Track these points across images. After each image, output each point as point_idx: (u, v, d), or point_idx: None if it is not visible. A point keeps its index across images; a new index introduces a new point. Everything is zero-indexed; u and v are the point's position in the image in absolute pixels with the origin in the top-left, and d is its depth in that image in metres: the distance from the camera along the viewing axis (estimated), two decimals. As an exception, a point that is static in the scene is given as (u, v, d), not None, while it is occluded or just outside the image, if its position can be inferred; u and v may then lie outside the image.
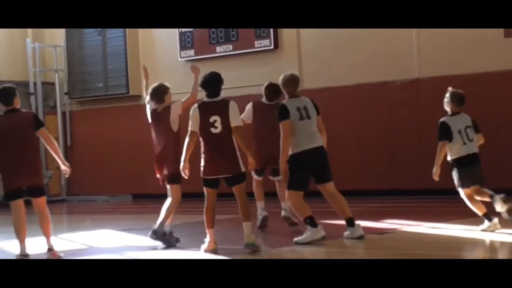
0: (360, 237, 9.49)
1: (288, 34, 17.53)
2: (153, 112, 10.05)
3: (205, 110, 9.09)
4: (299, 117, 9.61)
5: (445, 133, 10.15)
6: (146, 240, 10.58)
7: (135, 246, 10.44)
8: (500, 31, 14.69)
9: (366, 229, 10.59)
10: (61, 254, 9.61)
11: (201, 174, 9.18)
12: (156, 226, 9.81)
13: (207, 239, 9.16)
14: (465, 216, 11.78)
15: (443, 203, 14.32)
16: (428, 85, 15.94)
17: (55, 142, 9.67)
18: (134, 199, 19.73)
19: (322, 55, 17.13)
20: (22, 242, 9.45)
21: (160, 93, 9.91)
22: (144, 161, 18.86)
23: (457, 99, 10.57)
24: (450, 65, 15.60)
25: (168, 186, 9.99)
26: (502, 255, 8.78)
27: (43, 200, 9.52)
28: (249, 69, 18.03)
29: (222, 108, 9.06)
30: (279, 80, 10.07)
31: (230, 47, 18.15)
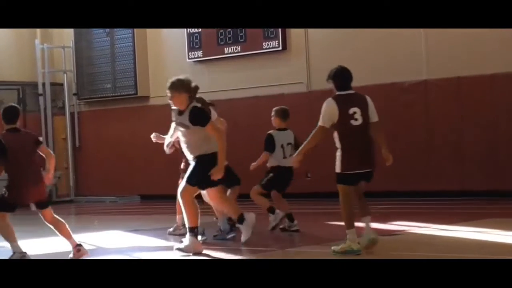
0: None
1: (296, 35, 17.54)
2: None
3: (344, 102, 8.81)
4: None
5: (269, 145, 11.25)
6: (154, 241, 10.63)
7: (143, 247, 10.45)
8: (509, 31, 14.67)
9: (374, 230, 10.60)
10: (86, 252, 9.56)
11: (340, 170, 8.74)
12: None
13: None
14: (474, 218, 11.79)
15: (451, 205, 14.33)
16: (435, 86, 15.93)
17: (54, 157, 9.78)
18: (142, 200, 19.75)
19: (330, 56, 17.09)
20: (13, 241, 9.47)
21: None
22: (152, 162, 18.90)
23: (282, 115, 11.58)
24: (457, 67, 15.58)
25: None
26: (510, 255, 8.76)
27: (50, 210, 9.56)
28: (257, 70, 18.03)
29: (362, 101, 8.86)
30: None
31: (238, 48, 18.15)
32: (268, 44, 17.79)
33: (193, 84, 10.00)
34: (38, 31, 20.58)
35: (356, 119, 8.69)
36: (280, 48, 17.66)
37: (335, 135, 8.74)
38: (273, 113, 11.59)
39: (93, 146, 20.63)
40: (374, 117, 8.88)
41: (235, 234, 10.76)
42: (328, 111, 8.75)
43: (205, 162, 9.22)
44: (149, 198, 19.22)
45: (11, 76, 20.49)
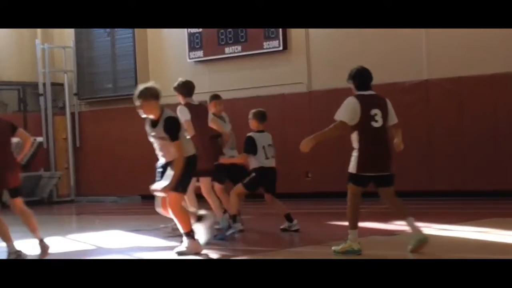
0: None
1: (296, 35, 17.54)
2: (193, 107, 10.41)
3: (366, 102, 8.71)
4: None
5: (251, 147, 11.23)
6: (155, 241, 10.63)
7: (144, 246, 10.45)
8: (509, 31, 14.67)
9: (374, 230, 10.61)
10: (50, 245, 9.64)
11: (355, 170, 8.69)
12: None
13: None
14: (475, 217, 11.78)
15: (452, 205, 14.33)
16: (436, 86, 15.93)
17: (31, 140, 9.92)
18: (143, 200, 19.73)
19: (330, 56, 17.13)
20: (8, 241, 9.49)
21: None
22: (153, 162, 18.85)
23: (260, 117, 11.59)
24: (459, 67, 15.58)
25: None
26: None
27: (21, 200, 9.62)
28: (258, 70, 18.04)
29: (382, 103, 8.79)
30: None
31: (239, 48, 18.16)
32: (268, 44, 17.80)
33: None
34: (39, 31, 20.59)
35: (376, 121, 8.62)
36: (281, 48, 17.67)
37: (354, 135, 8.63)
38: (250, 116, 11.60)
39: (94, 146, 20.64)
40: (393, 119, 8.84)
41: (234, 231, 10.79)
42: (351, 109, 8.62)
43: (185, 167, 9.15)
44: (150, 198, 19.14)
45: (11, 76, 20.50)
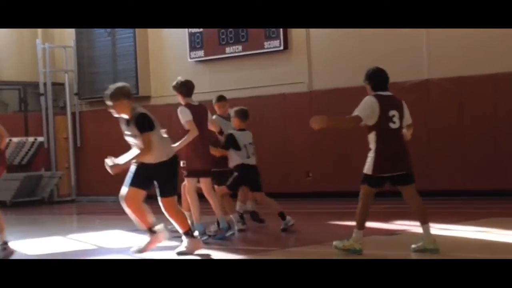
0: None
1: (297, 35, 17.54)
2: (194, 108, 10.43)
3: (384, 103, 8.61)
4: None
5: (231, 144, 11.33)
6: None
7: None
8: (510, 31, 14.67)
9: (375, 230, 10.60)
10: (15, 250, 9.65)
11: (371, 172, 8.54)
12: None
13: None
14: (476, 217, 11.78)
15: (452, 204, 14.32)
16: (437, 86, 15.93)
17: (6, 137, 9.98)
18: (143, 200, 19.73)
19: (331, 56, 17.13)
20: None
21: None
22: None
23: (243, 115, 11.61)
24: (459, 66, 15.58)
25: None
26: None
27: None
28: (259, 70, 18.04)
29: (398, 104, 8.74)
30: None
31: (240, 48, 18.16)
32: (269, 44, 17.80)
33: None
34: (39, 30, 20.59)
35: (394, 122, 8.55)
36: (282, 48, 17.67)
37: (372, 136, 8.54)
38: (232, 114, 11.60)
39: (95, 146, 20.61)
40: (408, 120, 8.78)
41: (234, 231, 10.79)
42: (369, 107, 8.52)
43: (170, 169, 9.21)
44: (151, 198, 19.18)
45: (12, 76, 20.51)
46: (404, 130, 8.79)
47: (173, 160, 9.23)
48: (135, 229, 12.33)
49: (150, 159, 9.15)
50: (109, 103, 9.19)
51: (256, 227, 11.83)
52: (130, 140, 9.39)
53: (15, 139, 19.32)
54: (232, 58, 18.34)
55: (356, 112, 8.54)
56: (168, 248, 9.77)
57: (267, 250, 9.61)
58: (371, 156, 8.55)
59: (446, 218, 11.91)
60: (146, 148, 9.06)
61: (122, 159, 9.18)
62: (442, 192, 15.50)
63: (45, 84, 20.72)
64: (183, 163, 10.25)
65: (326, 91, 17.07)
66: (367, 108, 8.54)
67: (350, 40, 16.65)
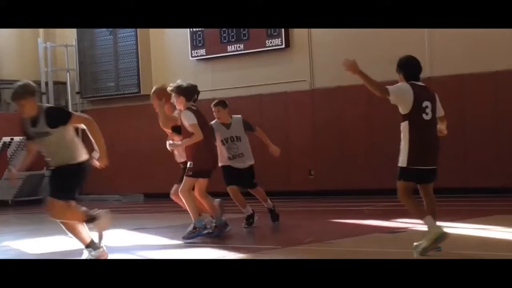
0: None
1: (299, 33, 17.54)
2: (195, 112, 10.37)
3: (419, 93, 8.50)
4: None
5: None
6: (158, 239, 10.61)
7: (147, 245, 10.46)
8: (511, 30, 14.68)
9: (378, 228, 10.60)
10: None
11: (406, 164, 8.31)
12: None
13: None
14: (477, 215, 11.78)
15: (454, 202, 14.31)
16: (439, 84, 15.90)
17: None
18: (146, 198, 19.76)
19: (333, 54, 17.11)
20: None
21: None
22: (155, 160, 18.91)
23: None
24: (461, 64, 15.58)
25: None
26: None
27: None
28: (260, 68, 18.04)
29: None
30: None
31: (241, 46, 18.16)
32: (271, 42, 17.80)
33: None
34: (41, 29, 20.61)
35: (427, 114, 8.44)
36: (283, 46, 17.67)
37: (405, 125, 8.36)
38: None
39: (97, 145, 20.61)
40: (441, 112, 8.70)
41: (230, 227, 10.80)
42: (402, 91, 8.37)
43: (70, 173, 8.99)
44: (153, 197, 19.23)
45: (14, 75, 20.47)
46: (439, 126, 8.70)
47: (84, 165, 9.00)
48: (138, 228, 12.35)
49: (60, 161, 8.84)
50: (17, 104, 8.70)
51: (257, 225, 11.80)
52: (38, 142, 8.76)
53: (16, 138, 19.31)
54: (234, 57, 18.34)
55: (389, 87, 8.33)
56: (171, 247, 9.78)
57: (270, 248, 9.60)
58: (404, 147, 8.34)
59: (447, 216, 11.89)
60: (87, 121, 8.73)
61: (101, 149, 8.91)
62: (444, 190, 15.48)
63: (46, 83, 20.74)
64: (190, 164, 10.25)
65: (328, 89, 17.07)
66: (399, 89, 8.35)
67: (352, 38, 16.64)
